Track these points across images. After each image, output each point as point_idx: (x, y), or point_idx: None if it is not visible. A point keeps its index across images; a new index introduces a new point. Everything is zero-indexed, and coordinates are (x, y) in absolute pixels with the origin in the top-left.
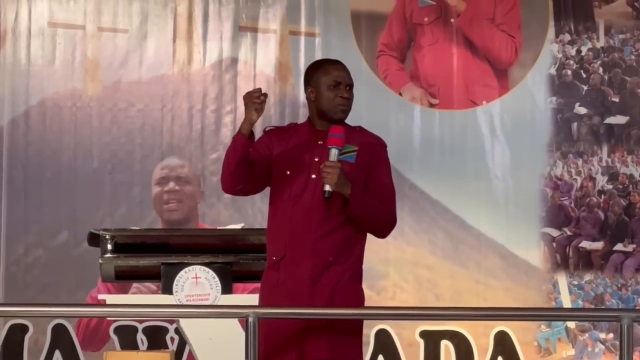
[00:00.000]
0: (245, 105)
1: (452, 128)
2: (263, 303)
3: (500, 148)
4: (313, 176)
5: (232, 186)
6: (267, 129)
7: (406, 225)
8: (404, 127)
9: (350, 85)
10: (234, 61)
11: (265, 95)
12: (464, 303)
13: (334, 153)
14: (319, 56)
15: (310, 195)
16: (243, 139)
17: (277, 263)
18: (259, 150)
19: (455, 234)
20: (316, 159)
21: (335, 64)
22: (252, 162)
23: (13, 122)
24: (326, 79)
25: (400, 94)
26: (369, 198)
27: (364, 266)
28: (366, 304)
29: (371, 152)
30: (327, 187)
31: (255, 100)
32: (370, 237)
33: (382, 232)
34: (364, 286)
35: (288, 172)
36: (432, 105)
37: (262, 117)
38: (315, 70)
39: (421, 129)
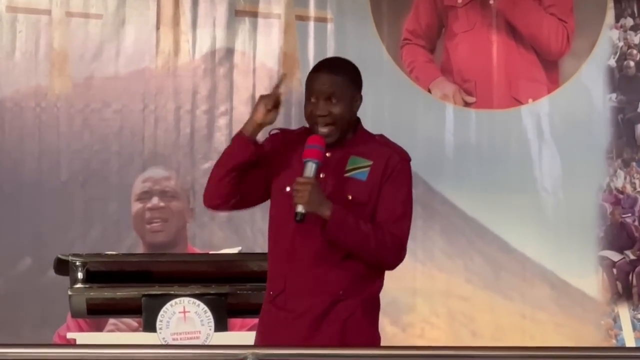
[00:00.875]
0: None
1: (492, 131)
2: (260, 343)
3: (550, 155)
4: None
5: (214, 199)
6: (273, 132)
7: (437, 248)
8: (433, 130)
9: (335, 98)
10: (230, 52)
11: (280, 94)
12: (507, 342)
13: (310, 167)
14: (331, 45)
15: (316, 218)
16: (245, 141)
17: (275, 298)
18: (258, 160)
19: (496, 258)
20: (322, 175)
21: (320, 68)
22: (246, 173)
23: None
24: (307, 89)
25: (429, 91)
26: (354, 220)
27: (386, 298)
28: (390, 342)
29: (386, 166)
30: (299, 208)
31: (270, 97)
32: None
33: (381, 262)
34: (386, 321)
35: (288, 189)
36: (467, 104)
37: None
38: (308, 75)
39: (454, 133)
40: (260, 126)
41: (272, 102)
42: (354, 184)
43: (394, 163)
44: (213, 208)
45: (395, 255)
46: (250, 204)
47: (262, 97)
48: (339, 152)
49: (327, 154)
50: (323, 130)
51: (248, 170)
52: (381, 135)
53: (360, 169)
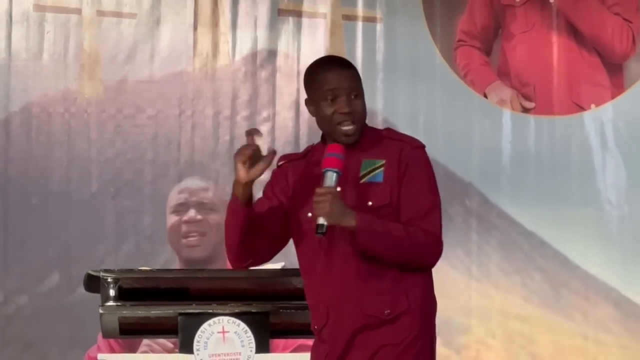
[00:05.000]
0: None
1: (552, 139)
2: None
3: (614, 165)
4: None
5: (239, 261)
6: (280, 163)
7: (493, 264)
8: (490, 138)
9: (355, 93)
10: (272, 54)
11: (254, 146)
12: None
13: (329, 177)
14: (380, 47)
15: (346, 238)
16: (238, 207)
17: (320, 332)
18: (270, 201)
19: (557, 275)
20: (338, 188)
21: (330, 65)
22: (262, 220)
23: None
24: (320, 89)
25: (485, 96)
26: (382, 225)
27: (439, 318)
28: None
29: (400, 160)
30: (320, 220)
31: (241, 152)
32: (446, 281)
33: (419, 262)
34: (439, 342)
35: (310, 215)
36: (526, 110)
37: (309, 128)
38: (310, 76)
39: (512, 141)
40: (248, 184)
41: (246, 156)
42: (371, 188)
43: (406, 155)
44: (244, 268)
45: (432, 253)
46: (281, 247)
47: (236, 154)
48: (351, 158)
49: None
50: (348, 128)
51: (262, 220)
52: (388, 129)
53: (374, 171)
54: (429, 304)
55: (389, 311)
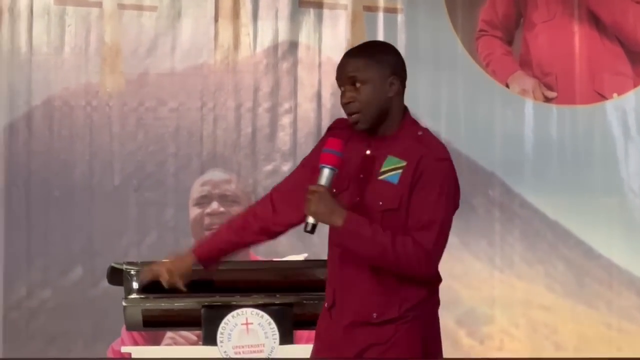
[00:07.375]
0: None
1: (574, 128)
2: (317, 353)
3: (637, 154)
4: (357, 199)
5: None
6: (334, 129)
7: (516, 254)
8: (512, 127)
9: (360, 81)
10: (293, 45)
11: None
12: (592, 353)
13: (325, 174)
14: (401, 38)
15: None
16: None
17: (330, 309)
18: (305, 171)
19: (580, 264)
20: (361, 176)
21: (343, 56)
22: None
23: (11, 127)
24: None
25: (507, 85)
26: (370, 230)
27: (463, 308)
28: (467, 356)
29: (416, 167)
30: (309, 219)
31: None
32: (469, 272)
33: (406, 274)
34: (462, 333)
35: (334, 190)
36: (548, 100)
37: (331, 119)
38: None
39: (534, 130)
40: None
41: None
42: (385, 187)
43: (425, 163)
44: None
45: (420, 266)
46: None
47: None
48: (380, 149)
49: (367, 152)
50: (352, 117)
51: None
52: (425, 131)
53: (393, 170)
54: (422, 320)
55: (376, 315)
